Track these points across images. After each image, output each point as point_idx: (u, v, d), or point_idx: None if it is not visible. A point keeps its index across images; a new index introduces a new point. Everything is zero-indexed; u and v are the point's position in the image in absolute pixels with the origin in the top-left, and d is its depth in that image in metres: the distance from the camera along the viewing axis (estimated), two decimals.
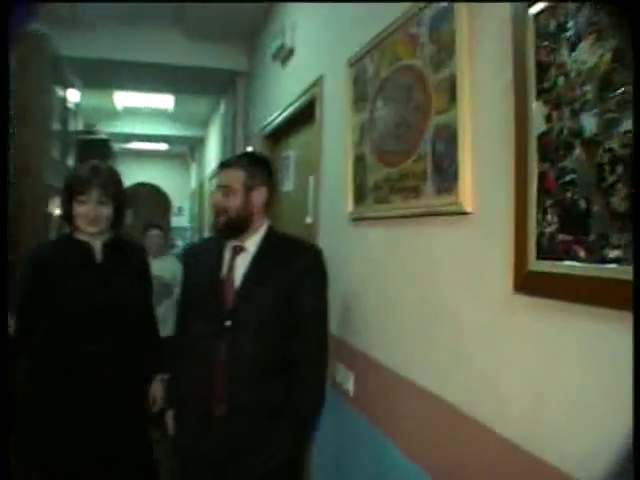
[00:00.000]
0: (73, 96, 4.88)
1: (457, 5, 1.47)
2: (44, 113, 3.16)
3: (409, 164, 1.72)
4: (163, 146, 11.12)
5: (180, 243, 12.16)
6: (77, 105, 5.16)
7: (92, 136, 6.69)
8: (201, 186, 9.28)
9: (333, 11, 2.55)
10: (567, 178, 1.07)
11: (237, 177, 2.02)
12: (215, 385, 1.95)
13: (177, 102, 7.35)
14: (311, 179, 2.93)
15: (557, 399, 1.12)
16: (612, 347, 0.98)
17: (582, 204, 1.03)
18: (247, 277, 1.99)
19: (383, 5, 1.94)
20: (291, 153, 3.53)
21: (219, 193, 2.05)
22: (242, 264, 2.02)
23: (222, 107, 5.85)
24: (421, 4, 1.64)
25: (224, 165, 2.11)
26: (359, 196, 2.13)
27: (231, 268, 2.02)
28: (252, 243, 2.04)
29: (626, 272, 0.93)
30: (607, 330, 0.99)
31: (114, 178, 2.27)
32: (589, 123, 1.02)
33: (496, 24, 1.33)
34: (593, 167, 1.01)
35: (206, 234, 7.76)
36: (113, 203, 2.21)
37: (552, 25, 1.13)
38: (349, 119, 2.21)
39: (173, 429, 2.16)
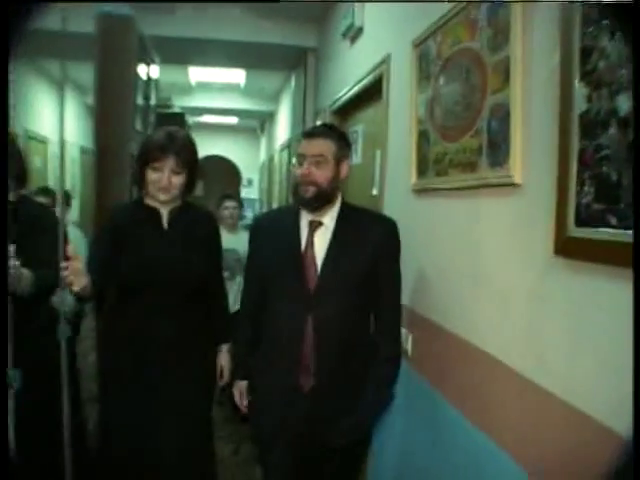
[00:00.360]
0: (154, 72, 5.15)
1: None
2: (130, 88, 3.41)
3: (467, 139, 1.85)
4: (234, 120, 11.42)
5: (249, 215, 12.51)
6: (156, 80, 5.44)
7: (168, 110, 7.02)
8: (270, 159, 9.52)
9: None
10: (602, 153, 1.20)
11: (329, 147, 2.01)
12: (302, 360, 1.99)
13: (248, 77, 7.57)
14: (378, 153, 3.07)
15: (590, 353, 1.26)
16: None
17: (614, 177, 1.16)
18: (329, 252, 2.01)
19: None
20: (359, 128, 3.67)
21: (310, 163, 2.00)
22: (322, 239, 2.03)
23: (293, 82, 6.02)
24: None
25: (313, 135, 2.07)
26: (421, 169, 2.27)
27: (311, 243, 2.03)
28: (330, 218, 2.05)
29: None
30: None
31: (190, 146, 2.24)
32: (624, 104, 1.15)
33: (546, 11, 1.45)
34: (625, 143, 1.14)
35: (275, 206, 8.01)
36: (186, 172, 2.20)
37: (595, 13, 1.25)
38: (414, 97, 2.34)
39: (244, 401, 2.21)
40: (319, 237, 2.04)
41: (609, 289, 1.19)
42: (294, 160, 2.09)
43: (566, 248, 1.32)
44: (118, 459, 2.25)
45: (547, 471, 1.38)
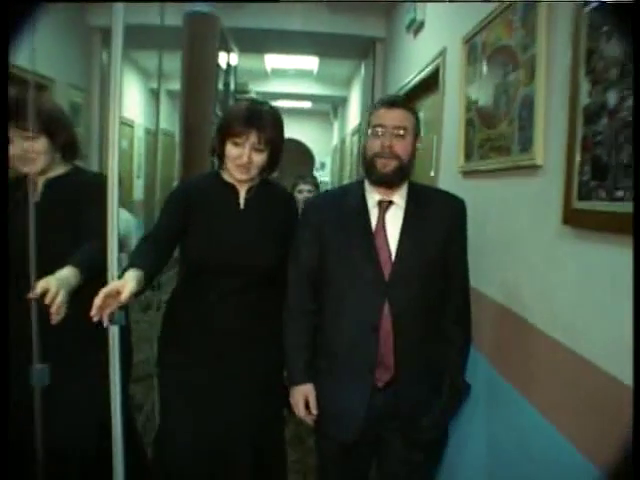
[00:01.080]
0: (233, 60, 5.54)
1: None
2: (212, 75, 3.78)
3: (504, 127, 2.11)
4: (307, 104, 11.77)
5: None
6: (235, 67, 5.84)
7: (246, 95, 7.44)
8: (342, 142, 9.83)
9: None
10: (597, 139, 1.45)
11: (410, 119, 1.87)
12: (379, 352, 1.84)
13: (321, 64, 7.89)
14: (434, 138, 3.33)
15: (592, 306, 1.52)
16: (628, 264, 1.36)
17: (604, 159, 1.42)
18: (404, 233, 1.85)
19: None
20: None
21: (392, 135, 1.83)
22: (394, 219, 1.88)
23: (362, 70, 6.29)
24: None
25: (394, 104, 1.89)
26: (468, 153, 2.53)
27: (382, 224, 1.88)
28: (399, 197, 1.90)
29: (627, 207, 1.31)
30: (625, 251, 1.37)
31: (275, 122, 2.03)
32: (612, 98, 1.40)
33: (567, 15, 1.69)
34: (613, 131, 1.39)
35: None
36: (269, 150, 2.01)
37: (598, 18, 1.49)
38: (463, 87, 2.60)
39: (313, 409, 1.93)
40: (391, 217, 1.88)
41: (607, 250, 1.45)
42: (369, 131, 1.90)
43: (571, 218, 1.58)
44: (177, 462, 2.08)
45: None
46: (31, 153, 1.99)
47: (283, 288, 2.02)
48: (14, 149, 1.95)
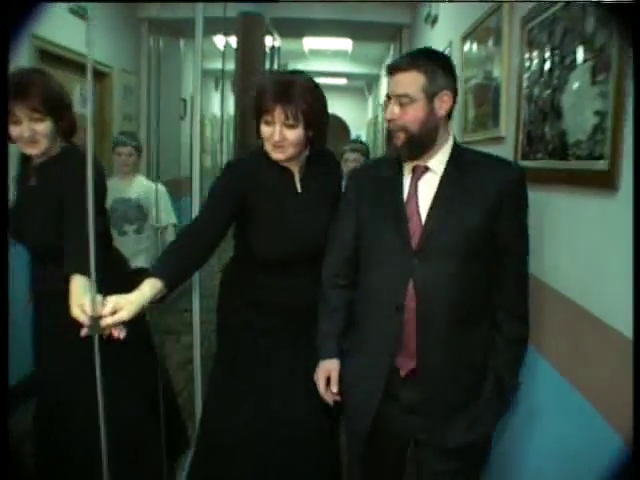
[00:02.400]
0: (276, 43, 6.26)
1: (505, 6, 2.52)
2: (262, 64, 4.52)
3: (485, 107, 2.82)
4: (343, 81, 12.44)
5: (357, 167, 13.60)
6: (278, 49, 6.55)
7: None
8: (376, 117, 10.50)
9: None
10: (529, 119, 2.16)
11: (415, 82, 1.64)
12: (401, 336, 1.71)
13: (355, 45, 8.55)
14: None
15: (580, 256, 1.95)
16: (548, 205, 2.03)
17: (532, 132, 2.12)
18: (436, 202, 1.69)
19: None
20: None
21: (395, 105, 1.68)
22: (428, 187, 1.72)
23: (391, 52, 6.95)
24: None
25: (395, 68, 1.69)
26: (464, 127, 3.23)
27: (414, 192, 1.74)
28: (437, 163, 1.72)
29: (543, 163, 2.01)
30: (544, 196, 2.05)
31: (307, 92, 1.86)
32: (536, 91, 2.09)
33: (521, 12, 2.37)
34: (536, 114, 2.09)
35: None
36: (303, 124, 1.85)
37: (534, 33, 2.18)
38: (461, 77, 3.28)
39: (333, 387, 1.84)
40: (424, 184, 1.73)
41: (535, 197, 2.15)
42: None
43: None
44: (231, 438, 2.08)
45: None
46: (36, 134, 1.98)
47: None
48: (21, 130, 1.95)
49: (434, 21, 4.39)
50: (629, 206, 1.36)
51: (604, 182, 1.52)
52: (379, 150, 9.32)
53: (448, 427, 1.69)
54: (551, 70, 1.94)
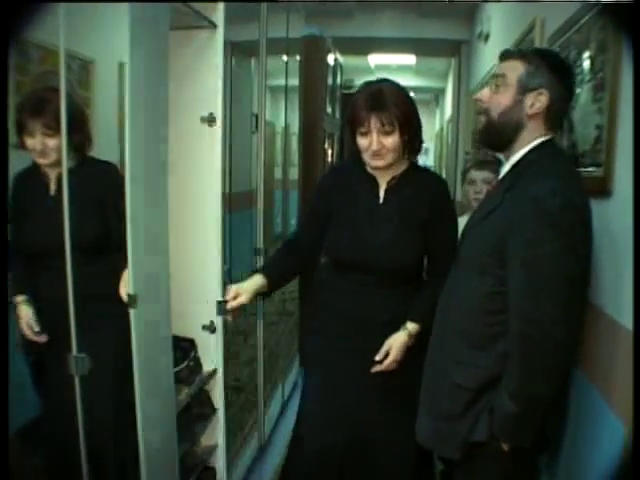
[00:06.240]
0: (339, 59, 6.54)
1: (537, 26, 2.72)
2: (324, 83, 4.81)
3: None
4: (410, 94, 12.66)
5: None
6: (341, 65, 6.84)
7: (351, 90, 8.54)
8: (441, 129, 10.67)
9: (510, 10, 3.81)
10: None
11: (515, 69, 1.58)
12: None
13: (418, 60, 8.79)
14: None
15: None
16: None
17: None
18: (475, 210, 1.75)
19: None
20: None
21: (489, 87, 1.64)
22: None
23: (453, 66, 7.17)
24: None
25: (505, 55, 1.67)
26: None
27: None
28: (505, 168, 1.65)
29: None
30: None
31: (399, 98, 1.89)
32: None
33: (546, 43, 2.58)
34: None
35: (444, 172, 9.20)
36: (399, 129, 1.86)
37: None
38: None
39: None
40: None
41: None
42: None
43: None
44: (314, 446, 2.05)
45: None
46: (47, 148, 2.11)
47: (419, 282, 2.06)
48: (34, 142, 2.10)
49: (486, 38, 4.60)
50: (623, 209, 1.56)
51: (601, 187, 1.73)
52: (444, 163, 9.49)
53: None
54: None
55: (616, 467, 1.04)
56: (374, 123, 1.85)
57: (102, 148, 2.07)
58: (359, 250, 1.96)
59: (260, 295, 2.04)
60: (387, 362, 1.92)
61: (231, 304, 1.93)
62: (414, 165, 2.05)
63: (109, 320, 2.09)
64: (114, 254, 2.11)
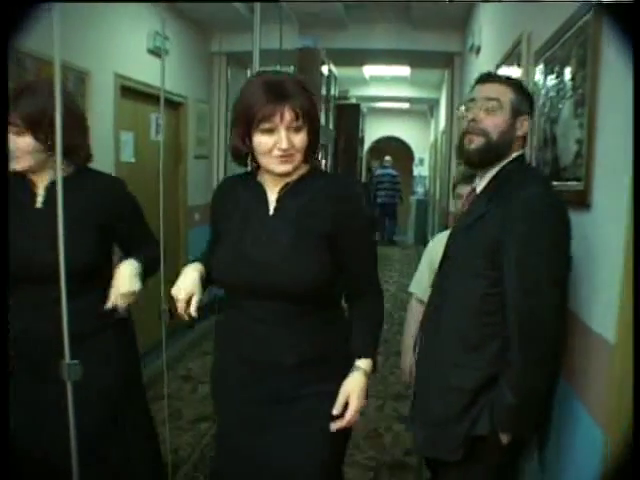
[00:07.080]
0: (332, 70, 6.63)
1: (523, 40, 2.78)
2: (319, 92, 4.90)
3: None
4: (405, 105, 12.79)
5: (420, 190, 13.91)
6: (334, 76, 6.93)
7: (346, 101, 8.63)
8: (436, 140, 10.74)
9: (500, 21, 3.87)
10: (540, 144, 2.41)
11: (506, 93, 1.68)
12: None
13: (413, 71, 8.87)
14: None
15: None
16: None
17: (539, 157, 2.37)
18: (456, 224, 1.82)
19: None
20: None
21: (480, 108, 1.67)
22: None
23: (446, 77, 7.24)
24: None
25: (489, 78, 1.75)
26: None
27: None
28: (484, 181, 1.74)
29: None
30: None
31: (304, 89, 1.58)
32: (543, 120, 2.35)
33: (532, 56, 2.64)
34: (543, 139, 2.35)
35: (438, 183, 9.27)
36: (307, 125, 1.57)
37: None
38: None
39: None
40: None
41: None
42: (462, 108, 1.78)
43: None
44: None
45: None
46: (18, 150, 1.80)
47: (336, 310, 1.75)
48: (8, 144, 1.76)
49: (477, 51, 4.66)
50: (601, 221, 1.66)
51: (581, 199, 1.78)
52: (439, 173, 9.56)
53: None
54: (551, 103, 2.20)
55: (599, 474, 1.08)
56: (285, 117, 1.51)
57: (97, 159, 2.03)
58: (246, 270, 1.60)
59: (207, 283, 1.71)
60: (349, 415, 1.61)
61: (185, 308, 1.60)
62: (316, 169, 1.72)
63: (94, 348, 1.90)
64: (107, 286, 1.84)
